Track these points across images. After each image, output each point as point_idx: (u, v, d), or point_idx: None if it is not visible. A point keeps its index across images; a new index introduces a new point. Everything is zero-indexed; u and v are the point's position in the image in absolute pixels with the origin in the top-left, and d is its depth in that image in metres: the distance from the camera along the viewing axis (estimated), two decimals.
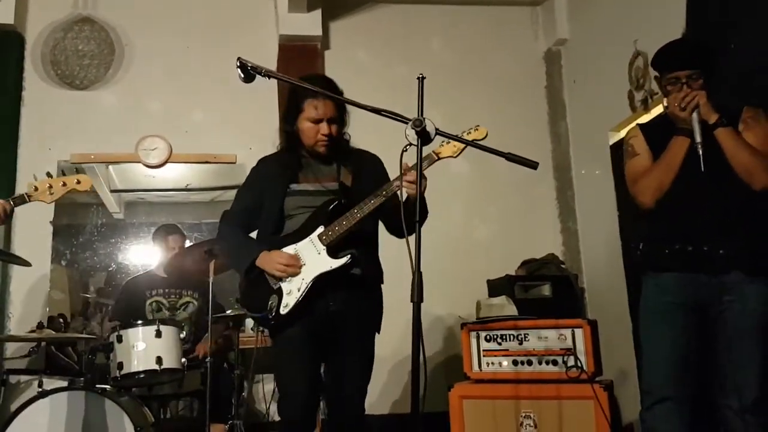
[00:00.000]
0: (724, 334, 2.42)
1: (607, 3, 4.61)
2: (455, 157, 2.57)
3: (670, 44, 2.68)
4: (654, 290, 2.56)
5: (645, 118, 3.87)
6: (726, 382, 2.42)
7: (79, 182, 2.82)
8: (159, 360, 3.38)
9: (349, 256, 2.53)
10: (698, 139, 2.42)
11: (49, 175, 2.81)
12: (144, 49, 4.94)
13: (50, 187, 2.76)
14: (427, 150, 2.07)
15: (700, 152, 2.40)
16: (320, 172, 2.69)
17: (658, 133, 2.61)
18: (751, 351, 2.37)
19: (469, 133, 2.52)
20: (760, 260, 2.41)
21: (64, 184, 2.78)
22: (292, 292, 2.55)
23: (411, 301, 1.89)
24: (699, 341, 2.47)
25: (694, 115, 2.45)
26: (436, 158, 2.54)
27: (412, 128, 1.94)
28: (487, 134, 2.49)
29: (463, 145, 2.52)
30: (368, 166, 2.74)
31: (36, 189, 2.74)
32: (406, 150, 1.98)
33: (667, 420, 2.45)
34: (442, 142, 2.55)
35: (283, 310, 2.54)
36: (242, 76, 2.18)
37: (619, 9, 4.41)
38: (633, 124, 3.41)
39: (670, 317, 2.49)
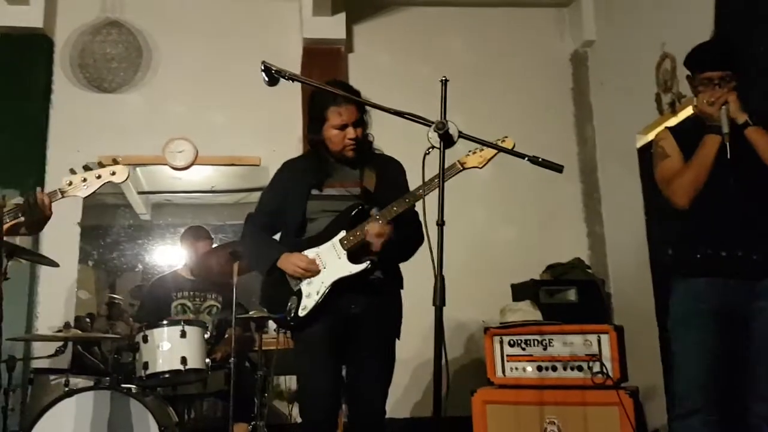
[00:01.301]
0: (755, 340, 2.38)
1: (634, 4, 4.56)
2: (480, 168, 2.53)
3: (704, 44, 2.66)
4: (684, 295, 2.53)
5: (673, 121, 3.81)
6: (757, 390, 2.38)
7: (114, 173, 2.63)
8: (184, 360, 3.39)
9: (368, 262, 2.54)
10: (725, 130, 2.39)
11: (86, 168, 2.64)
12: (170, 53, 4.99)
13: (84, 180, 2.61)
14: (451, 159, 2.04)
15: (727, 143, 2.37)
16: (344, 177, 2.70)
17: (687, 136, 2.58)
18: None
19: (496, 144, 2.47)
20: None
21: (99, 177, 2.62)
22: (311, 294, 2.57)
23: (433, 305, 1.87)
24: (729, 348, 2.43)
25: (723, 109, 2.42)
26: (461, 168, 2.53)
27: (435, 131, 1.91)
28: (514, 145, 2.41)
29: (489, 156, 2.51)
30: (390, 173, 2.74)
31: (70, 183, 2.61)
32: (428, 153, 1.96)
33: (698, 428, 2.41)
34: (468, 151, 2.53)
35: (301, 312, 2.56)
36: (266, 79, 2.18)
37: (646, 11, 4.35)
38: (661, 127, 3.36)
39: (701, 323, 2.45)
